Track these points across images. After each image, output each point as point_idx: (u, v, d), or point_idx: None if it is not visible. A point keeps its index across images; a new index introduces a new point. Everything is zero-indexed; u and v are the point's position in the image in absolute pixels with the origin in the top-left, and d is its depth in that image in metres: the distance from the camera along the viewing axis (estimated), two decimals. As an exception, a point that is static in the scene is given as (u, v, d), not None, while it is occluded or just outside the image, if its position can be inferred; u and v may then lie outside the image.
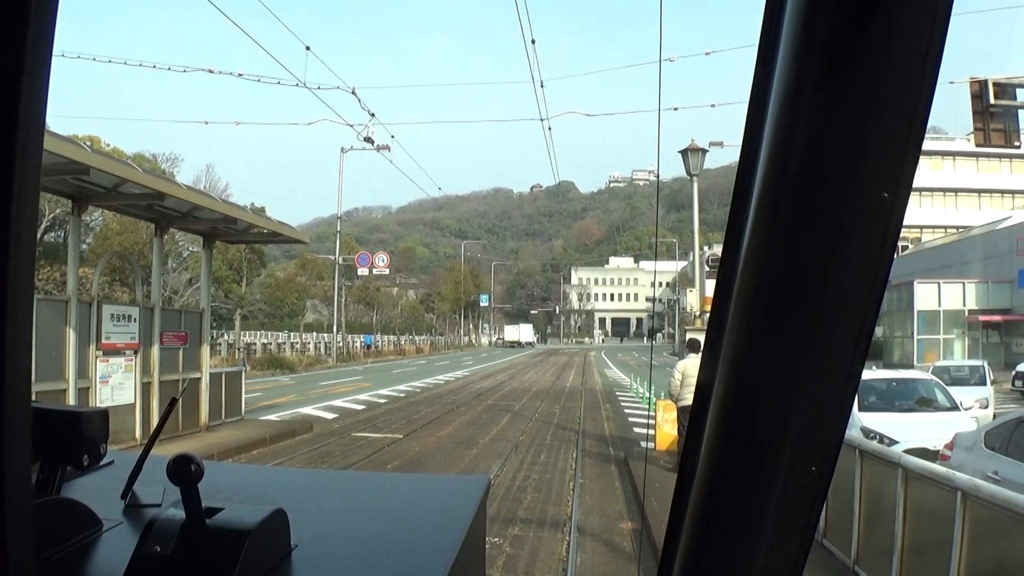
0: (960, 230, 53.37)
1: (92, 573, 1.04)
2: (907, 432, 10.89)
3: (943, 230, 61.15)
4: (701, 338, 13.23)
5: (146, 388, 13.59)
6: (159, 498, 1.22)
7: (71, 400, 11.67)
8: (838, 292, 0.77)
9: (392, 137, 41.23)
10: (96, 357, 12.36)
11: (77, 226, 12.80)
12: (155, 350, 13.84)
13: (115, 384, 12.85)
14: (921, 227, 63.31)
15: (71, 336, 11.68)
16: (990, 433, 8.20)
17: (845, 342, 0.78)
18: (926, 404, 12.59)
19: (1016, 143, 16.67)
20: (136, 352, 13.30)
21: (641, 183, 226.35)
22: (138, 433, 13.29)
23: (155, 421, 13.83)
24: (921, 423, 11.43)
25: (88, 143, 35.49)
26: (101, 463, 1.29)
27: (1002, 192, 66.41)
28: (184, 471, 0.93)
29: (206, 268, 16.67)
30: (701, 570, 0.97)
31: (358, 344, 62.22)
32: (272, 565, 1.03)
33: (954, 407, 12.36)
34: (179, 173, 48.70)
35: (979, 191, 66.71)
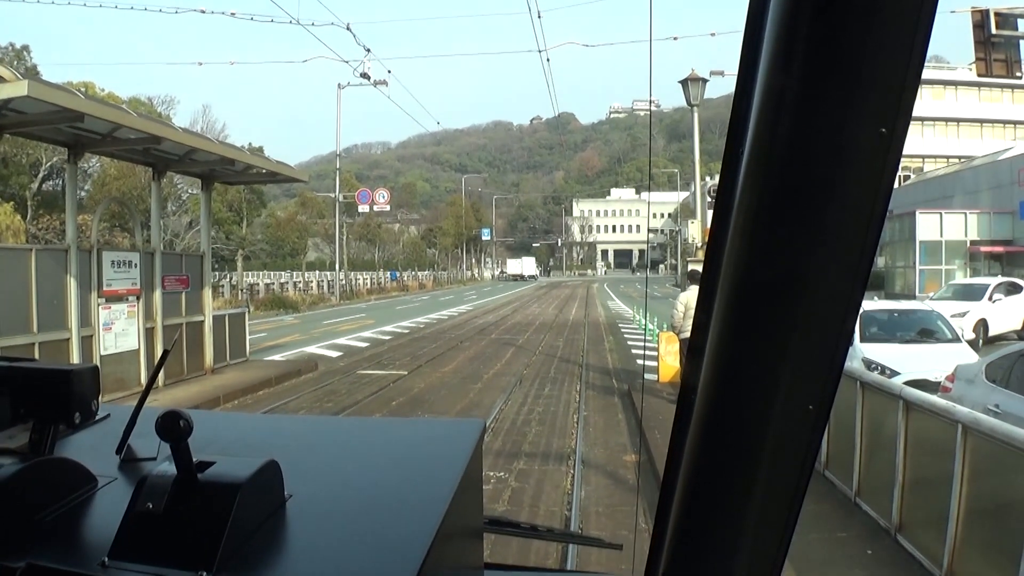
0: (962, 160, 52.80)
1: (87, 531, 1.03)
2: (908, 364, 10.93)
3: (945, 160, 60.63)
4: (696, 267, 13.22)
5: (149, 333, 13.61)
6: (155, 451, 1.21)
7: (75, 349, 11.71)
8: (835, 227, 0.76)
9: (389, 72, 40.71)
10: (98, 304, 12.35)
11: (74, 173, 12.68)
12: (157, 295, 13.84)
13: (118, 331, 12.88)
14: (923, 156, 62.80)
15: (72, 284, 11.67)
16: (991, 365, 8.16)
17: (843, 277, 0.78)
18: (928, 335, 12.62)
19: (1018, 73, 16.56)
20: (138, 298, 13.30)
21: (642, 113, 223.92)
22: (143, 379, 13.39)
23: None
24: (923, 354, 11.47)
25: (82, 89, 35.06)
26: (96, 419, 1.30)
27: (1004, 122, 65.80)
28: (173, 427, 0.93)
29: (205, 210, 16.55)
30: (700, 499, 0.98)
31: (361, 281, 62.41)
32: (265, 517, 1.03)
33: (956, 339, 12.38)
34: (175, 115, 48.04)
35: (981, 121, 66.03)
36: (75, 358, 11.53)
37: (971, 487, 4.88)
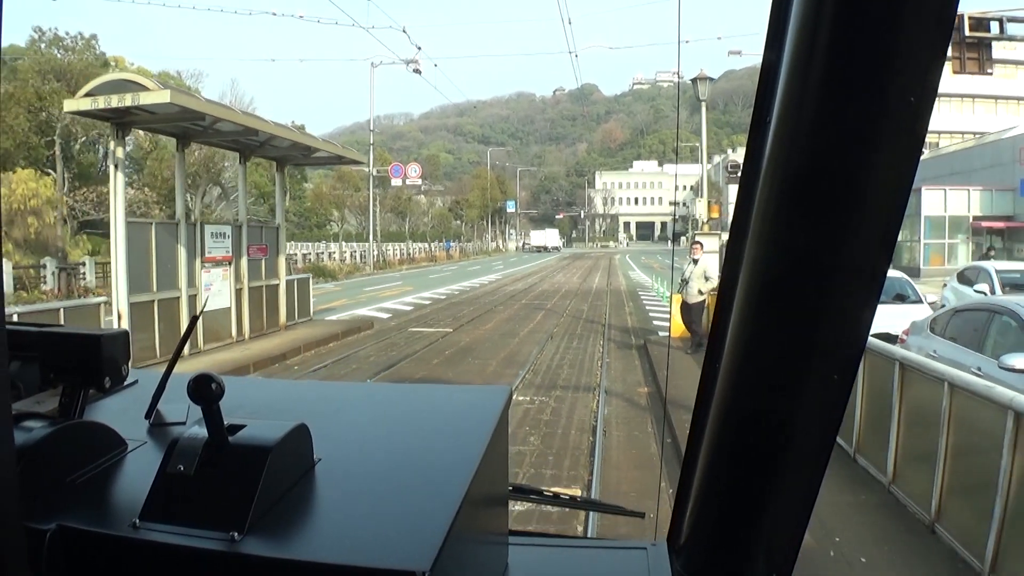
0: (976, 136, 53.60)
1: (118, 493, 1.04)
2: (880, 320, 13.00)
3: (960, 136, 60.92)
4: (703, 240, 15.36)
5: (238, 293, 16.05)
6: (184, 416, 1.21)
7: (183, 306, 13.89)
8: (863, 198, 0.77)
9: (435, 66, 41.96)
10: (201, 269, 14.72)
11: (182, 161, 14.81)
12: (243, 261, 16.24)
13: (215, 291, 15.31)
14: (939, 132, 63.12)
15: (181, 252, 13.99)
16: (934, 320, 10.24)
17: (869, 248, 0.79)
18: (900, 299, 14.80)
19: (989, 70, 18.18)
20: (230, 264, 15.76)
21: (665, 85, 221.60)
22: (233, 331, 15.86)
23: (246, 322, 16.26)
24: (891, 314, 13.56)
25: (113, 63, 37.15)
26: (125, 384, 1.31)
27: (1019, 99, 65.67)
28: (205, 390, 0.96)
29: (280, 189, 18.91)
30: (723, 468, 1.06)
31: (392, 252, 64.31)
32: (295, 480, 1.04)
33: (919, 300, 14.60)
34: (203, 88, 48.99)
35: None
36: (184, 314, 13.75)
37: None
